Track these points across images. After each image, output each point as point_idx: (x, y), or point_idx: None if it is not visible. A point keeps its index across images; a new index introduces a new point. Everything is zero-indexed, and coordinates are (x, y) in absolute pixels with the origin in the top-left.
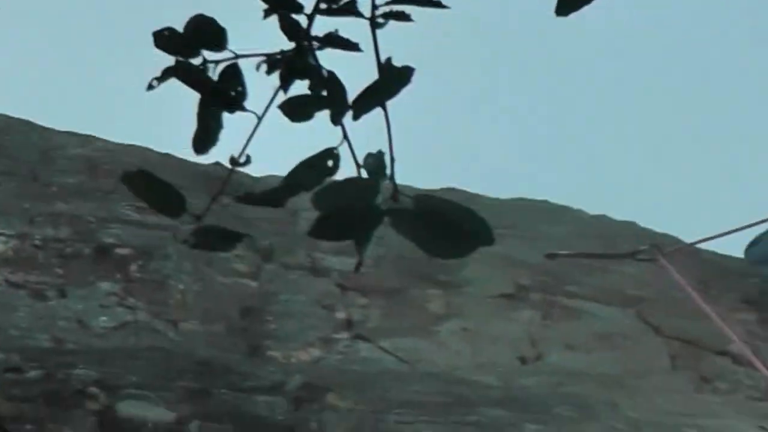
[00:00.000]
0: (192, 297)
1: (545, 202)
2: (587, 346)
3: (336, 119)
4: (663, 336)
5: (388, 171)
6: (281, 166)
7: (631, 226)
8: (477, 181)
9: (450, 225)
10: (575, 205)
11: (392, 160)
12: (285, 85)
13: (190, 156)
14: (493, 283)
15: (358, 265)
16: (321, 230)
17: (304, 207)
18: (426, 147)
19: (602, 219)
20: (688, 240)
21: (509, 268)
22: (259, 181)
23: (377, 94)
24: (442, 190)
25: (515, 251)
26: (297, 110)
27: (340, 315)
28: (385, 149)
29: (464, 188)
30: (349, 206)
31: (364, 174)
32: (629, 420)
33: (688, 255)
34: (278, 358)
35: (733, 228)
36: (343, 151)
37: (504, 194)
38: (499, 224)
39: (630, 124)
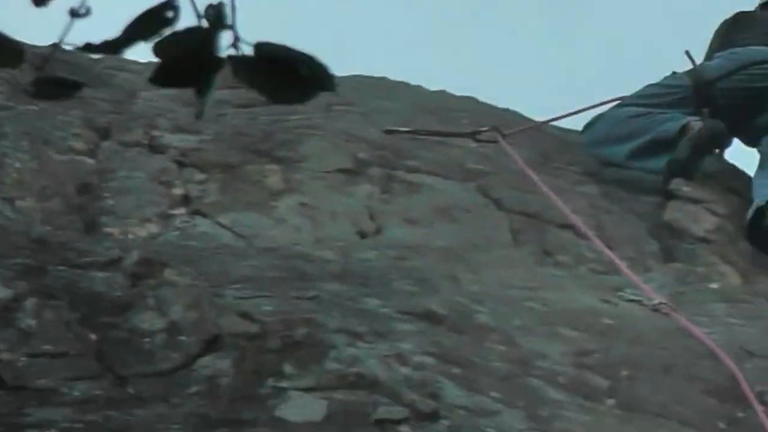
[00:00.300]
0: (29, 175)
1: (383, 78)
2: (427, 220)
3: None
4: (504, 210)
5: (228, 22)
6: None
7: (471, 101)
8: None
9: (291, 71)
10: (414, 82)
11: (233, 8)
12: None
13: (28, 40)
14: (332, 158)
15: (199, 114)
16: (161, 78)
17: (141, 87)
18: (269, 12)
19: (442, 95)
20: (529, 114)
21: (348, 143)
22: (101, 62)
23: None
24: None
25: (354, 127)
26: None
27: (178, 191)
28: (227, 2)
29: None
30: (189, 54)
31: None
32: (471, 294)
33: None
34: (115, 234)
35: (577, 109)
36: (184, 3)
37: (342, 72)
38: (339, 101)
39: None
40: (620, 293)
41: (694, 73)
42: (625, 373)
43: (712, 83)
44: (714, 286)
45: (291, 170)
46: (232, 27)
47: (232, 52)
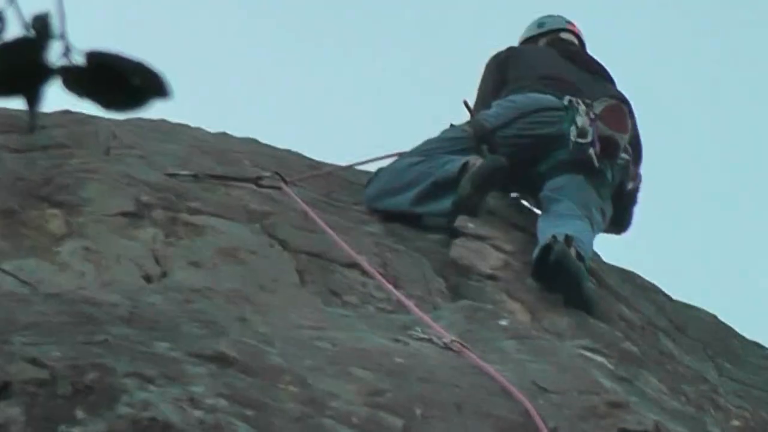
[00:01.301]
0: None
1: (163, 121)
2: (213, 262)
3: None
4: (290, 250)
5: (58, 32)
6: None
7: (252, 143)
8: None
9: (124, 80)
10: (194, 124)
11: (62, 17)
12: None
13: None
14: (114, 201)
15: (32, 126)
16: None
17: None
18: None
19: (223, 137)
20: (311, 155)
21: (129, 187)
22: None
23: None
24: (58, 112)
25: (135, 170)
26: None
27: None
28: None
29: (80, 110)
30: (18, 65)
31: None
32: (260, 335)
33: (314, 168)
34: None
35: (359, 161)
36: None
37: (120, 116)
38: (118, 144)
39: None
40: (410, 332)
41: (474, 123)
42: (418, 411)
43: (492, 132)
44: (503, 323)
45: (73, 214)
46: (63, 36)
47: (64, 61)
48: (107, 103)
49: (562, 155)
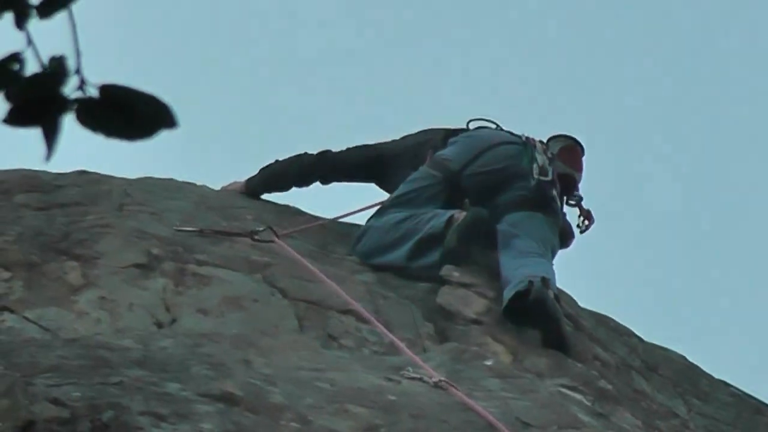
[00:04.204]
0: None
1: (171, 180)
2: (219, 309)
3: (20, 23)
4: (289, 298)
5: (73, 70)
6: None
7: (252, 200)
8: (108, 163)
9: (134, 111)
10: (199, 182)
11: (78, 54)
12: None
13: None
14: (127, 254)
15: (48, 155)
16: (13, 119)
17: None
18: None
19: (225, 193)
20: (308, 209)
21: (141, 240)
22: None
23: None
24: (74, 172)
25: (146, 225)
26: None
27: None
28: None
29: (95, 170)
30: (37, 96)
31: None
32: (263, 376)
33: (309, 221)
34: None
35: (347, 212)
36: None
37: (132, 174)
38: (130, 201)
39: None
40: (402, 372)
41: (440, 165)
42: None
43: (460, 172)
44: (487, 363)
45: (89, 266)
46: (77, 71)
47: (78, 94)
48: (117, 133)
49: (522, 191)
